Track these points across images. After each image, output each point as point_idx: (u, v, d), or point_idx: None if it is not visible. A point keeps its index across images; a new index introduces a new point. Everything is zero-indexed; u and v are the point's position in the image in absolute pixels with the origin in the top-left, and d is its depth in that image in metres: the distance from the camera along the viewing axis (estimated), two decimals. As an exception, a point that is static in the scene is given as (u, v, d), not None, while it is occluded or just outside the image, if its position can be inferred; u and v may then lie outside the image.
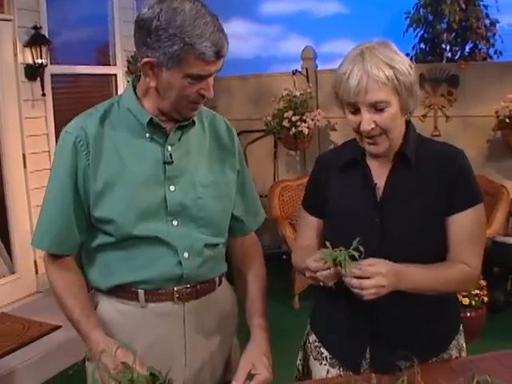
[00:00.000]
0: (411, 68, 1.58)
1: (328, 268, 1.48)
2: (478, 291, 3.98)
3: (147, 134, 1.60)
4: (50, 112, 4.78)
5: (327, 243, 1.52)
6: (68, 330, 4.13)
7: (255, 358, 1.61)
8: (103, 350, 1.49)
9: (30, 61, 4.49)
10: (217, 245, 1.72)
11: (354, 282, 1.45)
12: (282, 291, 4.95)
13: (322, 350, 1.79)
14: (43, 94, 4.65)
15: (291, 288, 4.86)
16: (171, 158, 1.61)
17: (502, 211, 4.45)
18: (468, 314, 3.94)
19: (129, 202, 1.57)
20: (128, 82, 5.59)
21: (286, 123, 5.44)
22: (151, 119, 1.58)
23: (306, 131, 5.43)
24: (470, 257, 1.64)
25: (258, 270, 1.85)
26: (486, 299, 4.05)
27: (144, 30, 1.48)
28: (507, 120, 4.76)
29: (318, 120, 5.51)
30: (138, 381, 1.40)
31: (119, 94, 1.70)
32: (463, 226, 1.64)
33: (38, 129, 4.67)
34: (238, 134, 6.14)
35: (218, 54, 1.49)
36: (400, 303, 1.61)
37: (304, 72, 5.87)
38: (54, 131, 4.80)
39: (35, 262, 4.74)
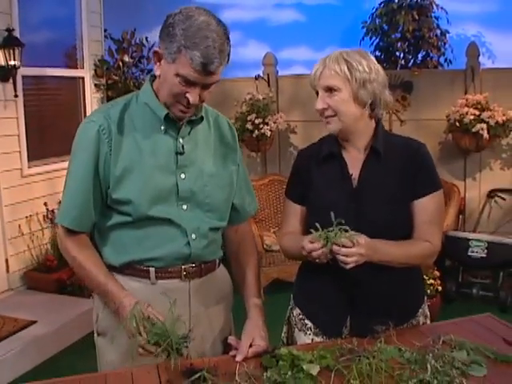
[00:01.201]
0: (371, 70, 1.86)
1: (322, 247, 1.72)
2: (432, 281, 4.26)
3: (162, 127, 1.78)
4: (22, 113, 4.86)
5: (317, 225, 1.75)
6: (43, 325, 4.26)
7: (254, 333, 1.81)
8: (138, 301, 1.65)
9: (3, 62, 4.57)
10: (219, 229, 1.92)
11: (343, 250, 1.69)
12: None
13: (306, 321, 2.02)
14: (15, 95, 4.74)
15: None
16: (183, 149, 1.80)
17: (454, 208, 4.76)
18: (424, 303, 4.20)
19: (145, 186, 1.74)
20: (95, 85, 5.72)
21: (249, 126, 5.64)
22: (167, 114, 1.76)
23: (268, 133, 5.66)
24: (431, 235, 1.91)
25: (253, 256, 2.04)
26: (440, 288, 4.34)
27: (164, 24, 1.67)
28: (457, 124, 5.07)
29: (279, 123, 5.73)
30: (167, 330, 1.59)
31: (86, 98, 1.88)
32: (426, 209, 1.90)
33: (9, 129, 4.75)
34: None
35: (205, 68, 1.62)
36: (375, 277, 1.86)
37: (266, 77, 6.08)
38: (24, 132, 4.89)
39: (6, 261, 4.84)
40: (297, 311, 2.06)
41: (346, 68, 1.83)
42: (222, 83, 6.10)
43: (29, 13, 4.98)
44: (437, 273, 4.35)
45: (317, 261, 1.76)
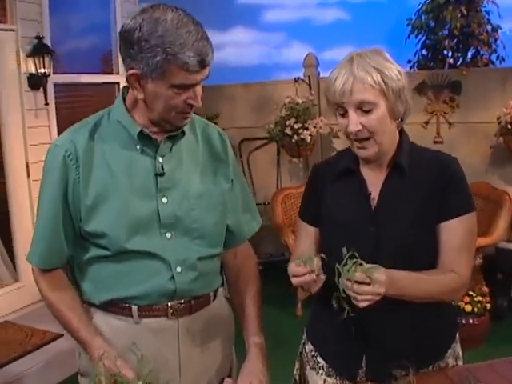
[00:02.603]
0: (401, 74, 1.59)
1: (308, 273, 1.48)
2: (480, 298, 3.96)
3: (138, 146, 1.59)
4: (53, 121, 4.80)
5: (323, 255, 1.53)
6: (69, 339, 4.15)
7: (252, 377, 1.61)
8: (104, 353, 1.49)
9: (33, 70, 4.51)
10: (212, 257, 1.70)
11: (357, 288, 1.43)
12: (285, 298, 4.94)
13: (319, 359, 1.80)
14: (46, 104, 4.68)
15: (294, 295, 4.85)
16: (163, 169, 1.60)
17: (505, 218, 4.43)
18: (471, 321, 3.92)
19: (120, 215, 1.56)
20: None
21: (288, 131, 5.44)
22: (141, 131, 1.57)
23: (308, 139, 5.43)
24: (459, 265, 1.64)
25: (254, 284, 1.83)
26: (488, 306, 4.03)
27: (127, 41, 1.48)
28: (509, 126, 4.75)
29: (320, 127, 5.51)
30: None
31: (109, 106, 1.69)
32: (454, 233, 1.64)
33: (41, 138, 4.69)
34: (241, 142, 6.10)
35: (203, 63, 1.48)
36: (397, 312, 1.62)
37: (306, 79, 5.87)
38: (56, 140, 4.79)
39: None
40: (309, 347, 1.84)
41: (379, 78, 1.55)
42: (262, 86, 5.99)
43: (61, 19, 4.92)
44: (486, 289, 4.03)
45: (303, 289, 1.54)
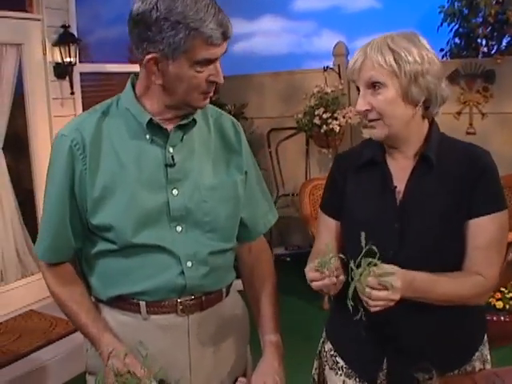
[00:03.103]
0: (424, 59, 1.50)
1: (326, 277, 1.41)
2: (512, 294, 3.84)
3: (147, 136, 1.53)
4: (80, 110, 4.76)
5: (342, 255, 1.45)
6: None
7: (267, 377, 1.56)
8: (113, 351, 1.45)
9: (59, 59, 4.48)
10: (225, 251, 1.64)
11: (369, 292, 1.35)
12: (311, 292, 4.81)
13: (338, 359, 1.72)
14: (72, 93, 4.65)
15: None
16: (173, 160, 1.53)
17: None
18: (502, 318, 3.80)
19: (129, 208, 1.50)
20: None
21: (316, 121, 5.34)
22: (151, 120, 1.51)
23: (337, 129, 5.32)
24: (486, 266, 1.54)
25: (270, 281, 1.76)
26: (521, 302, 3.90)
27: (142, 25, 1.42)
28: (545, 117, 4.59)
29: (349, 117, 5.40)
30: None
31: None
32: (483, 232, 1.54)
33: (67, 127, 4.66)
34: (269, 132, 6.02)
35: (225, 35, 1.43)
36: (420, 312, 1.53)
37: (336, 68, 5.76)
38: (83, 129, 4.79)
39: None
40: (328, 346, 1.77)
41: (392, 59, 1.48)
42: (290, 75, 5.90)
43: (88, 8, 4.89)
44: (518, 285, 3.91)
45: (324, 293, 1.46)
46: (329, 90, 5.44)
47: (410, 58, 1.49)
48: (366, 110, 1.54)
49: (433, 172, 1.57)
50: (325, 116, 5.32)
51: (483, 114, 5.19)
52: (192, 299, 1.58)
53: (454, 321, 1.60)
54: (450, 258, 1.57)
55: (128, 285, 1.55)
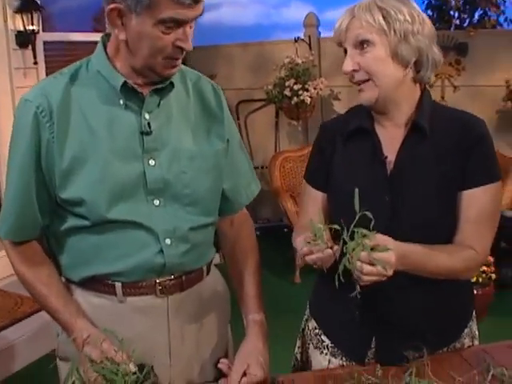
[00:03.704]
0: (415, 19, 1.44)
1: (322, 249, 1.31)
2: (485, 268, 3.84)
3: (121, 101, 1.40)
4: (43, 81, 4.59)
5: (336, 226, 1.36)
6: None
7: (250, 357, 1.48)
8: (87, 339, 1.36)
9: (21, 27, 4.28)
10: (206, 226, 1.54)
11: (360, 265, 1.27)
12: (283, 265, 4.86)
13: (323, 337, 1.66)
14: (35, 63, 4.44)
15: (291, 262, 4.73)
16: (149, 127, 1.41)
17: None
18: (475, 292, 3.79)
19: (101, 180, 1.37)
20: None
21: (287, 92, 5.26)
22: (125, 83, 1.38)
23: (308, 100, 5.25)
24: (478, 239, 1.49)
25: (252, 255, 1.67)
26: (493, 276, 3.92)
27: None
28: (518, 89, 4.59)
29: (320, 89, 5.34)
30: (123, 375, 1.28)
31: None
32: (476, 203, 1.49)
33: (30, 98, 4.49)
34: (238, 104, 5.92)
35: None
36: (410, 288, 1.48)
37: (307, 39, 5.68)
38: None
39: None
40: (312, 324, 1.70)
41: (380, 17, 1.42)
42: (260, 46, 5.80)
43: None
44: (490, 258, 3.90)
45: (314, 266, 1.37)
46: (299, 61, 5.36)
47: (400, 17, 1.43)
48: (353, 70, 1.48)
49: (425, 141, 1.50)
50: (295, 87, 5.24)
51: (455, 87, 5.18)
52: (172, 279, 1.49)
53: (443, 296, 1.56)
54: (443, 231, 1.51)
55: (102, 264, 1.44)
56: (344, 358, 1.61)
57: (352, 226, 1.29)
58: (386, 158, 1.52)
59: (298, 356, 1.78)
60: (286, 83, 5.29)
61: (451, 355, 1.57)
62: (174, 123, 1.46)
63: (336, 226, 1.31)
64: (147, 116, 1.42)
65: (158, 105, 1.44)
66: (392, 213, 1.48)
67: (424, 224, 1.48)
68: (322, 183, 1.65)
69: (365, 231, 1.28)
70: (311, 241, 1.32)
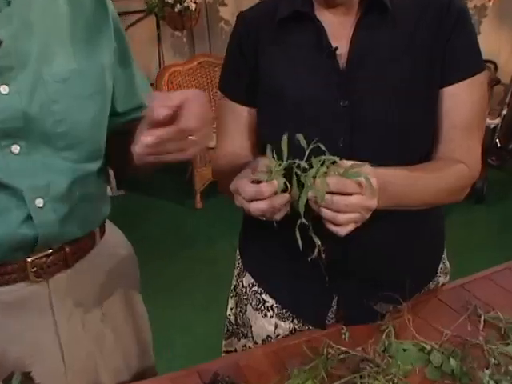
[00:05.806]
0: None
1: (275, 193, 0.91)
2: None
3: None
4: None
5: (268, 150, 0.96)
6: None
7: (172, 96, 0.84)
8: None
9: None
10: (93, 175, 1.08)
11: (337, 198, 0.89)
12: (181, 190, 4.49)
13: (265, 297, 1.28)
14: None
15: (191, 186, 4.30)
16: None
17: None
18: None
19: None
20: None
21: (169, -1, 4.76)
22: None
23: (192, 7, 4.80)
24: (467, 151, 1.13)
25: None
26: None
27: None
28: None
29: (205, -7, 4.89)
30: None
31: None
32: (460, 103, 1.11)
33: None
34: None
35: None
36: (376, 226, 1.06)
37: None
38: None
39: None
40: (248, 279, 1.32)
41: None
42: None
43: None
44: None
45: (262, 219, 0.95)
46: (180, -38, 4.84)
47: None
48: None
49: (387, 22, 1.09)
50: (178, -7, 4.76)
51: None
52: (49, 254, 1.05)
53: (415, 232, 1.21)
54: (418, 144, 1.14)
55: None
56: (295, 321, 1.25)
57: (307, 152, 0.90)
58: (337, 49, 1.09)
59: (232, 319, 1.40)
60: (167, -12, 4.79)
61: (427, 297, 1.26)
62: (35, 32, 0.97)
63: (294, 163, 0.90)
64: None
65: (9, 3, 0.94)
66: (351, 122, 1.08)
67: (393, 134, 1.09)
68: (246, 95, 1.21)
69: (325, 156, 0.90)
70: (263, 178, 0.91)
